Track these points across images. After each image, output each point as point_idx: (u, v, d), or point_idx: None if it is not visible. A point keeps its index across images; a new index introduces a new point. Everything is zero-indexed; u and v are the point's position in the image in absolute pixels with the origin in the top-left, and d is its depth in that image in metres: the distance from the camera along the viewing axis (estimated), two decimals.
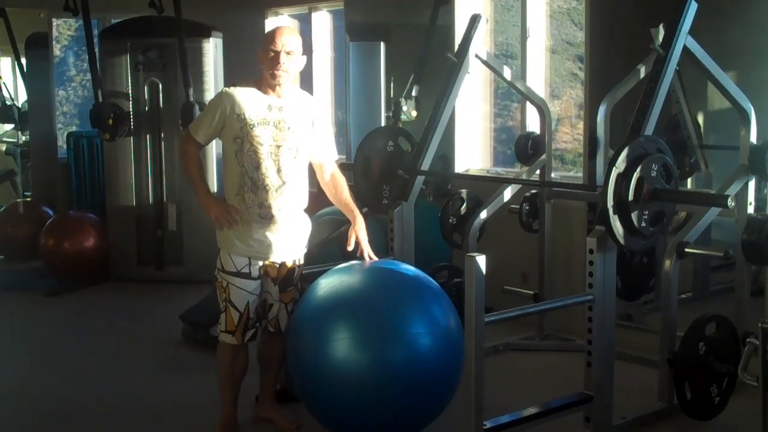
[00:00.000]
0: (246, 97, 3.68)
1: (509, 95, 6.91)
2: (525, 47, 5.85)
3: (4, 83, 8.93)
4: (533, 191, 5.18)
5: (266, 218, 3.70)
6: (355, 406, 3.50)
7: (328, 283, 3.71)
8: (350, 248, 3.90)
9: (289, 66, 3.67)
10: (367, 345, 3.47)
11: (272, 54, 3.64)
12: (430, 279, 3.83)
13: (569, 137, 7.60)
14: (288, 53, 3.65)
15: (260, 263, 3.75)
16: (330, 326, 3.51)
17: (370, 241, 3.94)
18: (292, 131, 3.71)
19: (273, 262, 3.77)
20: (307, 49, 7.28)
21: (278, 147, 3.68)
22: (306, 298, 3.73)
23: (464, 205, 5.04)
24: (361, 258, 3.89)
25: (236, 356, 3.83)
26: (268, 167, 3.67)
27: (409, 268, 3.85)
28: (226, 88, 3.77)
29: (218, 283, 3.79)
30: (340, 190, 3.96)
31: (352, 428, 3.63)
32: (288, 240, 3.78)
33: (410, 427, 3.64)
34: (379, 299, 3.59)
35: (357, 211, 3.96)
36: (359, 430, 3.63)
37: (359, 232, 3.90)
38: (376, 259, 3.92)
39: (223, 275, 3.76)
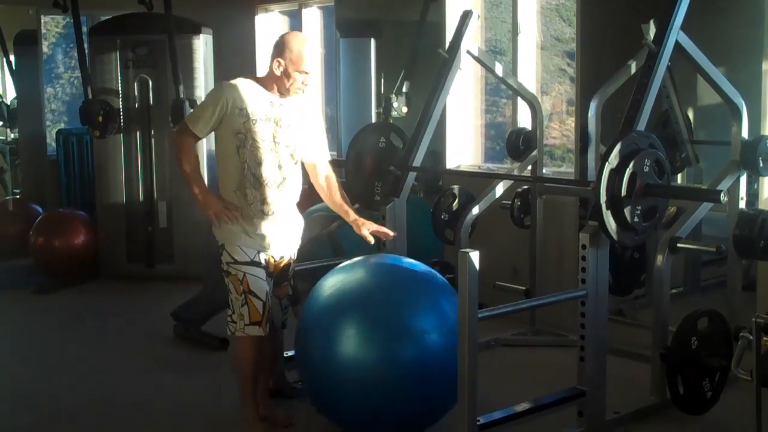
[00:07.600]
0: (248, 92, 3.64)
1: (497, 91, 6.91)
2: (516, 43, 5.83)
3: None
4: (525, 187, 5.17)
5: (268, 213, 3.70)
6: (363, 402, 3.50)
7: (336, 280, 3.71)
8: (372, 242, 3.94)
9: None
10: (375, 341, 3.47)
11: (301, 74, 3.62)
12: (438, 275, 3.81)
13: (558, 133, 7.62)
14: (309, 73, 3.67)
15: (263, 255, 3.75)
16: (339, 323, 3.51)
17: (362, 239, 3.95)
18: (291, 129, 3.71)
19: (272, 256, 3.78)
20: None
21: (278, 144, 3.68)
22: (314, 295, 3.72)
23: (456, 201, 5.03)
24: (379, 240, 3.94)
25: (261, 348, 3.78)
26: (270, 163, 3.66)
27: (416, 264, 3.83)
28: (227, 81, 3.71)
29: (232, 276, 3.71)
30: (334, 191, 3.96)
31: (360, 424, 3.63)
32: (287, 235, 3.80)
33: (418, 423, 3.64)
34: (387, 296, 3.59)
35: (351, 209, 3.97)
36: (367, 426, 3.63)
37: (363, 224, 3.90)
38: (392, 234, 3.98)
39: (238, 267, 3.69)
